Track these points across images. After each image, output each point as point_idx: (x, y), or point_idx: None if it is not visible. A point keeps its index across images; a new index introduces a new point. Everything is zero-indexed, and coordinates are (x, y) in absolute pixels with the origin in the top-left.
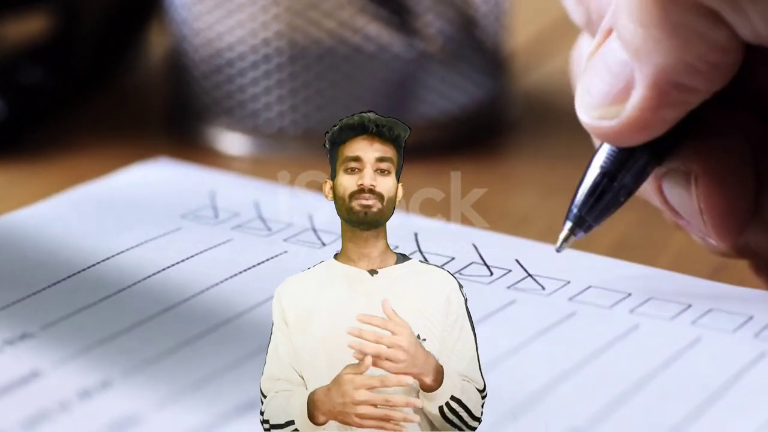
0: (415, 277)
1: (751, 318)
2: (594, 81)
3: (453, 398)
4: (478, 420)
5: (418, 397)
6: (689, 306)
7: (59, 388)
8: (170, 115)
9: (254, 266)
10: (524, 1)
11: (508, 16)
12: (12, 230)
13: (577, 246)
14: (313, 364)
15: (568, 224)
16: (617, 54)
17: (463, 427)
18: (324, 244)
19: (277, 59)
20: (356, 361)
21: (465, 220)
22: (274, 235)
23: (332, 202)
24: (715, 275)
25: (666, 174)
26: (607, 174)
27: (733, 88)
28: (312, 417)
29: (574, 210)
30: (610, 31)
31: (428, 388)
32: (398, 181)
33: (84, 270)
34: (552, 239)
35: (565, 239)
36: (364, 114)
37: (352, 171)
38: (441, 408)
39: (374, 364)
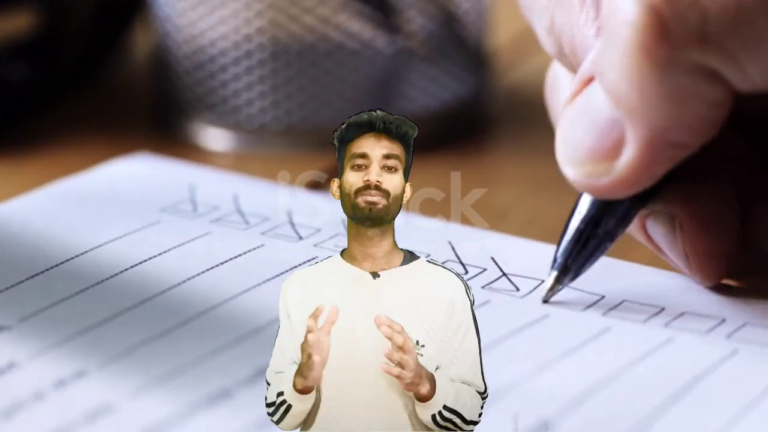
0: (418, 280)
1: (723, 321)
2: (577, 134)
3: (446, 407)
4: (474, 423)
5: (414, 407)
6: (662, 309)
7: (35, 378)
8: (154, 111)
9: (231, 259)
10: None
11: (489, 13)
12: None
13: (550, 239)
14: None
15: (554, 273)
16: (604, 109)
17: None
18: (301, 238)
19: (259, 55)
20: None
21: (465, 220)
22: (251, 229)
23: (319, 198)
24: None
25: (650, 215)
26: (591, 221)
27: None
28: (293, 382)
29: (559, 259)
30: (590, 80)
31: (423, 398)
32: (406, 180)
33: (62, 263)
34: (531, 234)
35: (551, 288)
36: (372, 112)
37: (358, 168)
38: (434, 416)
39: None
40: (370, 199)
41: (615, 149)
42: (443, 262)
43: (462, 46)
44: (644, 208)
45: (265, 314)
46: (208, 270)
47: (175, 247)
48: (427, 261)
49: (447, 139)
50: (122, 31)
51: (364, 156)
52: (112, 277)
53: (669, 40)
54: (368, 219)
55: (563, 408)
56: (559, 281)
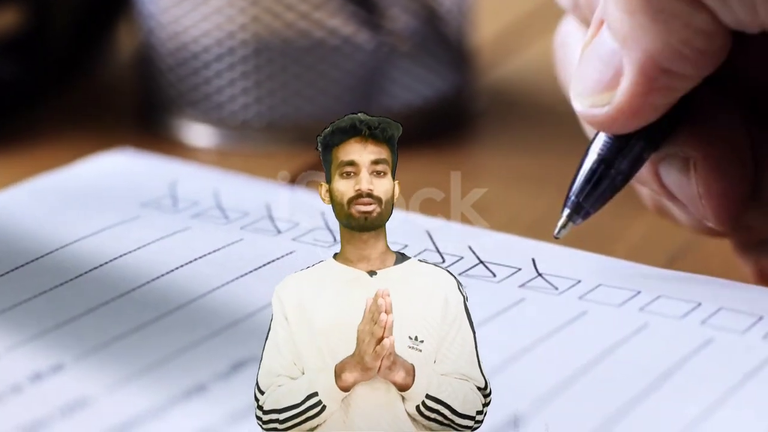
0: (413, 278)
1: (699, 305)
2: (587, 71)
3: (429, 396)
4: (470, 418)
5: (403, 399)
6: (638, 292)
7: (12, 371)
8: (139, 107)
9: (209, 253)
10: None
11: (472, 10)
12: None
13: (532, 234)
14: (317, 362)
15: (567, 211)
16: (607, 43)
17: (452, 425)
18: (279, 232)
19: (242, 52)
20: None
21: (465, 220)
22: (231, 224)
23: (310, 196)
24: (669, 265)
25: (663, 159)
26: (604, 161)
27: (727, 76)
28: (338, 378)
29: (572, 197)
30: (602, 23)
31: (400, 387)
32: (393, 179)
33: (41, 257)
34: (513, 230)
35: (563, 226)
36: (353, 115)
37: (348, 175)
38: (418, 408)
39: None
40: (364, 209)
41: (615, 78)
42: (421, 251)
43: (444, 43)
44: (657, 151)
45: (242, 308)
46: (186, 264)
47: (154, 242)
48: (419, 260)
49: (429, 136)
50: (107, 29)
51: (352, 164)
52: (90, 270)
53: None
54: (364, 228)
55: (537, 400)
56: (572, 219)
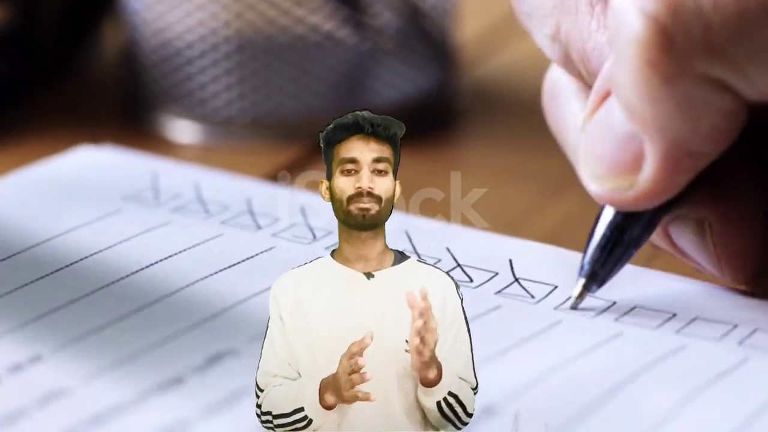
0: (411, 279)
1: (674, 315)
2: (598, 150)
3: (450, 394)
4: (470, 417)
5: (412, 405)
6: (614, 303)
7: None
8: (124, 103)
9: (189, 248)
10: None
11: (456, 7)
12: None
13: (514, 231)
14: (310, 363)
15: (582, 280)
16: (622, 124)
17: (457, 422)
18: (260, 227)
19: (226, 48)
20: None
21: (465, 220)
22: (212, 218)
23: (297, 192)
24: (648, 263)
25: (673, 220)
26: (617, 228)
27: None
28: (321, 398)
29: (587, 266)
30: (606, 94)
31: (430, 383)
32: (395, 178)
33: (22, 252)
34: (495, 227)
35: (580, 295)
36: (357, 112)
37: (348, 172)
38: (438, 403)
39: (413, 339)
40: (362, 206)
41: (636, 163)
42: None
43: (428, 40)
44: (668, 214)
45: (220, 302)
46: (165, 258)
47: (135, 236)
48: (418, 261)
49: (413, 133)
50: (93, 25)
51: (353, 161)
52: (71, 264)
53: (674, 51)
54: (362, 226)
55: (511, 395)
56: (588, 288)
